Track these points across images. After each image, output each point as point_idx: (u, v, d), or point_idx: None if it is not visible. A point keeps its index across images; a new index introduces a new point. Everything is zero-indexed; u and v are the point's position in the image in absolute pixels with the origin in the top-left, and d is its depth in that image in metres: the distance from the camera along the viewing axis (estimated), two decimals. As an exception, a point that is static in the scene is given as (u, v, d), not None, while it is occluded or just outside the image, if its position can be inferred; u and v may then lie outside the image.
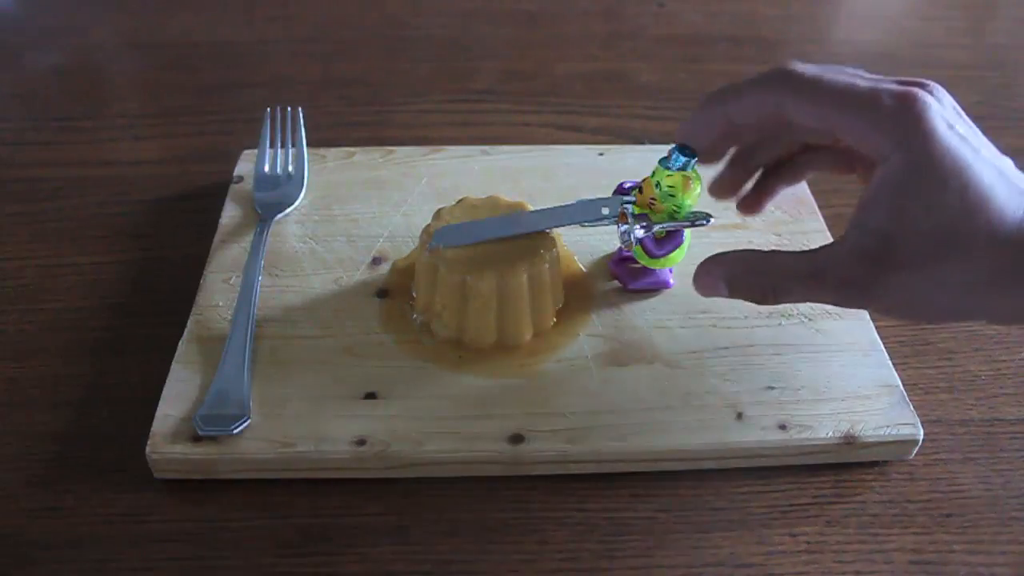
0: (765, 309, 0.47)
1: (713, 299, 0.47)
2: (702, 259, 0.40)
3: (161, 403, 0.42)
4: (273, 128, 0.56)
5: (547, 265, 0.45)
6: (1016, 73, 0.74)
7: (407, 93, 0.68)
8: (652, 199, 0.43)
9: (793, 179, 0.45)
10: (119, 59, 0.73)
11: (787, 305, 0.47)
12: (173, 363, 0.44)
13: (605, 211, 0.45)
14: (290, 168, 0.55)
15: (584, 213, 0.45)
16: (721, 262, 0.40)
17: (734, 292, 0.40)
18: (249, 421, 0.41)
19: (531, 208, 0.47)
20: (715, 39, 0.76)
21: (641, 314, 0.47)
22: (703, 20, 0.79)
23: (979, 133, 0.37)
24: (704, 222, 0.43)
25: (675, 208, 0.43)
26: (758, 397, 0.43)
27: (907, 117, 0.35)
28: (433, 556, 0.39)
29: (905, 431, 0.42)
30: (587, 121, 0.66)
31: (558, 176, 0.56)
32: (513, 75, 0.71)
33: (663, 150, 0.42)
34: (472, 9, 0.79)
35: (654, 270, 0.48)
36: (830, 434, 0.42)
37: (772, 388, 0.44)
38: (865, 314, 0.48)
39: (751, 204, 0.46)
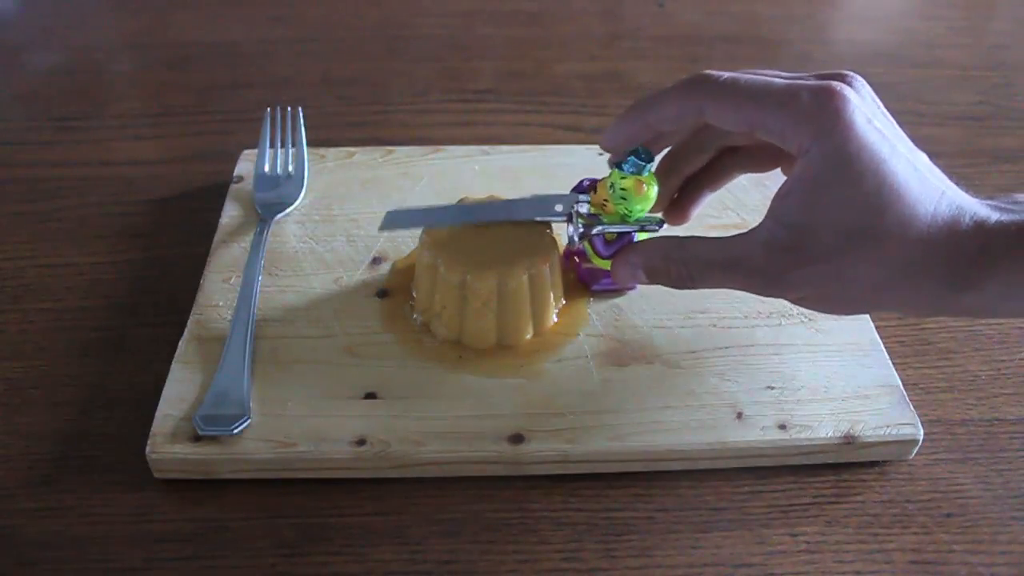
0: (765, 309, 0.47)
1: (713, 298, 0.47)
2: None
3: (161, 403, 0.42)
4: (273, 128, 0.56)
5: (547, 265, 0.45)
6: (1016, 73, 0.74)
7: (407, 93, 0.68)
8: (605, 200, 0.43)
9: (717, 184, 0.45)
10: (119, 59, 0.73)
11: (787, 305, 0.47)
12: (173, 363, 0.44)
13: (559, 208, 0.45)
14: (290, 168, 0.55)
15: (538, 208, 0.45)
16: (639, 252, 0.41)
17: (653, 279, 0.41)
18: (249, 421, 0.41)
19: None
20: (715, 39, 0.76)
21: (641, 314, 0.47)
22: (703, 20, 0.79)
23: (896, 127, 0.37)
24: (655, 228, 0.43)
25: (626, 211, 0.42)
26: (758, 397, 0.43)
27: (825, 112, 0.35)
28: (433, 556, 0.39)
29: (905, 431, 0.42)
30: (587, 121, 0.66)
31: (558, 176, 0.56)
32: (513, 75, 0.71)
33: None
34: (472, 9, 0.79)
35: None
36: (830, 434, 0.42)
37: (772, 388, 0.44)
38: (865, 315, 0.48)
39: (677, 214, 0.45)
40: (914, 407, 0.43)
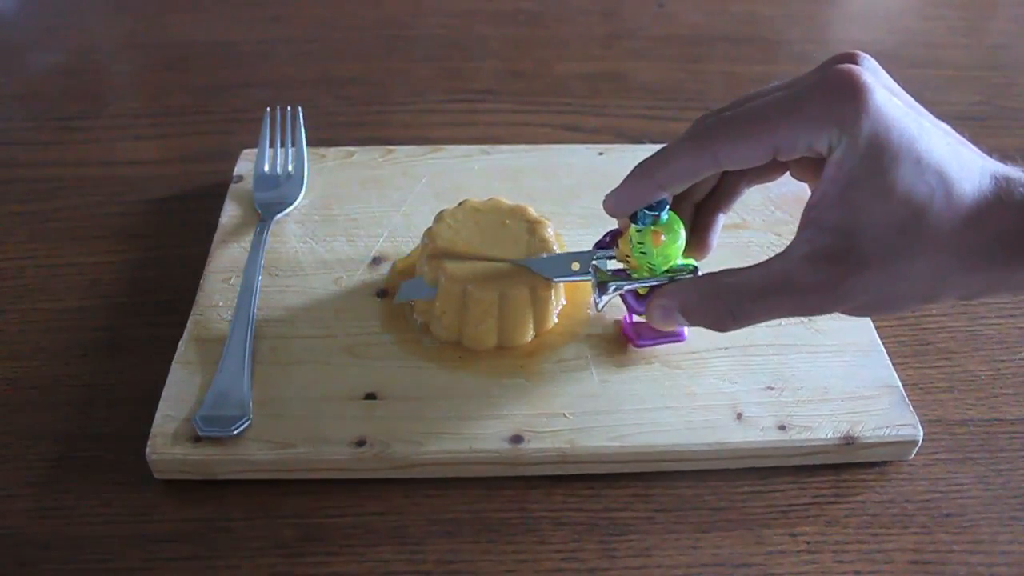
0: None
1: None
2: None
3: (161, 403, 0.42)
4: (273, 128, 0.56)
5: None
6: (1016, 73, 0.74)
7: (407, 93, 0.68)
8: (628, 256, 0.41)
9: (729, 204, 0.42)
10: (119, 59, 0.73)
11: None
12: (173, 363, 0.44)
13: (575, 266, 0.44)
14: (290, 168, 0.55)
15: (555, 267, 0.44)
16: (671, 294, 0.39)
17: (692, 320, 0.39)
18: (249, 422, 0.41)
19: (531, 211, 0.47)
20: (715, 39, 0.76)
21: (641, 314, 0.47)
22: (703, 20, 0.79)
23: (911, 98, 0.35)
24: (687, 277, 0.41)
25: (650, 265, 0.41)
26: (758, 397, 0.43)
27: (844, 99, 0.33)
28: (432, 556, 0.39)
29: (905, 431, 0.42)
30: (587, 121, 0.66)
31: (558, 176, 0.56)
32: (513, 75, 0.71)
33: None
34: (472, 9, 0.79)
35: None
36: (830, 434, 0.42)
37: (772, 388, 0.44)
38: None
39: (699, 247, 0.43)
40: (914, 407, 0.43)
